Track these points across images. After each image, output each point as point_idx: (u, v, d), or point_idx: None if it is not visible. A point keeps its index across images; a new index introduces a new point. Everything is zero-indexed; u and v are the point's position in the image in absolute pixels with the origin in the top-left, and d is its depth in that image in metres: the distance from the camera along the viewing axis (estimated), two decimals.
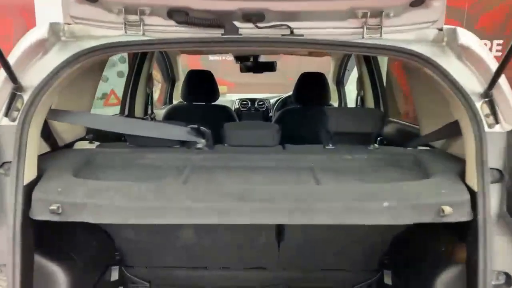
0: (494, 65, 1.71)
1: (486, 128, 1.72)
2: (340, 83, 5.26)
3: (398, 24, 1.87)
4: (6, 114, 1.73)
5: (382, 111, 3.71)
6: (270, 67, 4.70)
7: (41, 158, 1.92)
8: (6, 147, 1.71)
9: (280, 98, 6.03)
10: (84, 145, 2.43)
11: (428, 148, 2.45)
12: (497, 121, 1.74)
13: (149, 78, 4.12)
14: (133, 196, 1.76)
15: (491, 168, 1.72)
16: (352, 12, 1.83)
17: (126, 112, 3.85)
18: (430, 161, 2.11)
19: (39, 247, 1.83)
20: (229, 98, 6.14)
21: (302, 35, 1.86)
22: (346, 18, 1.87)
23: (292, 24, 1.86)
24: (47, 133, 2.11)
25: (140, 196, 1.77)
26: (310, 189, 1.88)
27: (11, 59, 1.71)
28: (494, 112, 1.74)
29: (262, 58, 4.66)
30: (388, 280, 2.48)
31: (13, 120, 1.72)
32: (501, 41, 4.50)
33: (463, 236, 1.82)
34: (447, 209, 1.69)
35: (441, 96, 1.94)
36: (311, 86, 3.94)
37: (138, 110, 4.00)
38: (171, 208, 1.75)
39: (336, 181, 2.01)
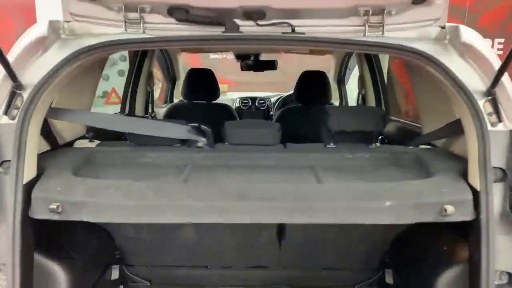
0: (497, 63, 1.69)
1: (489, 127, 1.71)
2: (341, 81, 5.24)
3: (400, 22, 1.86)
4: (6, 112, 1.72)
5: (383, 110, 3.69)
6: (271, 65, 4.68)
7: (41, 156, 1.91)
8: (6, 146, 1.70)
9: (281, 97, 6.02)
10: (84, 143, 2.42)
11: (429, 146, 2.44)
12: (500, 119, 1.73)
13: (150, 76, 4.11)
14: (133, 195, 1.75)
15: (494, 167, 1.70)
16: (354, 9, 1.82)
17: (127, 111, 3.84)
18: (432, 160, 2.09)
19: (39, 246, 1.82)
20: (229, 96, 6.13)
21: (303, 33, 1.85)
22: (347, 15, 1.86)
23: (293, 22, 1.85)
24: (47, 132, 2.10)
25: (140, 194, 1.76)
26: (311, 188, 1.87)
27: (11, 57, 1.70)
28: (497, 111, 1.73)
29: (263, 57, 4.65)
30: (389, 279, 2.47)
31: (13, 118, 1.71)
32: (502, 40, 4.49)
33: (465, 235, 1.81)
34: (450, 208, 1.68)
35: (443, 94, 1.92)
36: (312, 85, 3.92)
37: (139, 108, 3.99)
38: (171, 207, 1.74)
39: (337, 180, 2.00)
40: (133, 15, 1.85)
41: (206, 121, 2.35)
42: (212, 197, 1.76)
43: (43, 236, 1.85)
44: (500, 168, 1.73)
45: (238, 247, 2.49)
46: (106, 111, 4.95)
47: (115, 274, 2.47)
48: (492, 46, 4.44)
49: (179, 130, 2.29)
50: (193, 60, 6.97)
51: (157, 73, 5.31)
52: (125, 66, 5.47)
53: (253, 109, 5.95)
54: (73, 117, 2.21)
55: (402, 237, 2.34)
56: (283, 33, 1.85)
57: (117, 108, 4.01)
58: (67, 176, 1.85)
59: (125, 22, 1.85)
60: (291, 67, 6.08)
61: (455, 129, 2.00)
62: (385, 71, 4.08)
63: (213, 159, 2.22)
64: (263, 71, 4.73)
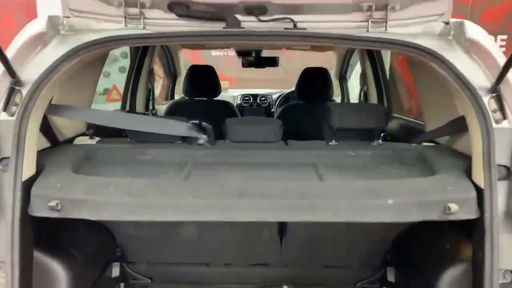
0: (502, 60, 1.67)
1: (494, 124, 1.69)
2: (343, 78, 5.22)
3: (404, 18, 1.84)
4: (5, 109, 1.70)
5: (385, 107, 3.67)
6: (272, 62, 4.67)
7: (41, 153, 1.90)
8: (5, 143, 1.69)
9: (282, 94, 6.00)
10: (85, 140, 2.41)
11: (433, 144, 2.42)
12: (504, 116, 1.71)
13: (151, 73, 4.10)
14: (134, 193, 1.74)
15: (498, 165, 1.69)
16: (357, 5, 1.80)
17: (127, 108, 3.83)
18: (435, 157, 2.08)
19: (39, 243, 1.81)
20: (231, 93, 6.12)
21: (305, 29, 1.83)
22: (350, 11, 1.84)
23: (295, 17, 1.83)
24: (46, 128, 2.09)
25: (140, 192, 1.74)
26: (313, 185, 1.85)
27: (9, 52, 1.68)
28: (501, 108, 1.71)
29: (264, 53, 4.63)
30: (391, 277, 2.46)
31: (12, 115, 1.70)
32: (505, 37, 4.47)
33: (468, 233, 1.79)
34: (453, 206, 1.66)
35: (447, 91, 1.90)
36: (313, 82, 3.91)
37: (140, 105, 3.98)
38: (171, 204, 1.73)
39: (339, 177, 1.98)
40: (133, 11, 1.83)
41: (207, 118, 2.34)
42: (213, 195, 1.75)
43: (43, 234, 1.84)
44: (505, 166, 1.71)
45: (239, 245, 2.48)
46: (107, 108, 4.94)
47: (115, 271, 2.46)
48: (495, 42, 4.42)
49: (179, 127, 2.27)
50: (195, 57, 6.96)
51: (158, 69, 5.30)
52: (126, 62, 5.46)
53: (254, 106, 5.94)
54: (73, 114, 2.19)
55: (404, 235, 2.33)
56: (285, 28, 1.83)
57: (118, 105, 4.00)
58: (67, 173, 1.83)
59: (125, 17, 1.84)
60: (292, 64, 6.06)
61: (459, 126, 1.98)
62: (387, 67, 4.06)
63: (214, 156, 2.21)
64: (264, 67, 4.73)
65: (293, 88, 4.32)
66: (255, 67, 4.71)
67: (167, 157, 2.20)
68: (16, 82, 1.69)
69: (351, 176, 2.00)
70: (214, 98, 4.07)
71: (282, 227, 2.36)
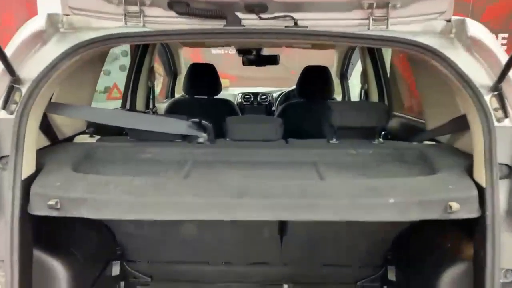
0: (504, 58, 1.66)
1: (495, 122, 1.68)
2: (343, 76, 5.21)
3: (405, 15, 1.83)
4: (4, 107, 1.69)
5: (386, 105, 3.66)
6: (273, 60, 4.66)
7: (40, 152, 1.89)
8: (4, 141, 1.68)
9: (283, 92, 5.99)
10: (84, 139, 2.41)
11: (434, 142, 2.41)
12: (506, 115, 1.70)
13: (151, 71, 4.09)
14: (134, 191, 1.73)
15: (499, 164, 1.67)
16: (358, 2, 1.79)
17: (128, 106, 3.82)
18: (436, 156, 2.07)
19: (39, 242, 1.81)
20: (231, 92, 6.11)
21: (306, 27, 1.82)
22: (351, 9, 1.83)
23: (296, 15, 1.82)
24: (46, 127, 2.08)
25: (140, 191, 1.74)
26: (314, 184, 1.84)
27: (9, 50, 1.67)
28: (503, 106, 1.69)
29: (265, 52, 4.62)
30: (392, 276, 2.45)
31: (11, 113, 1.69)
32: (506, 35, 4.47)
33: (470, 232, 1.78)
34: (455, 205, 1.65)
35: (448, 89, 1.89)
36: (314, 80, 3.90)
37: (140, 104, 3.97)
38: (171, 203, 1.72)
39: (340, 176, 1.97)
40: (133, 9, 1.82)
41: (208, 117, 2.33)
42: (213, 194, 1.74)
43: (43, 232, 1.83)
44: (506, 165, 1.70)
45: (239, 243, 2.47)
46: (108, 106, 4.94)
47: (116, 270, 2.46)
48: None
49: (180, 126, 2.27)
50: (195, 55, 6.95)
51: (159, 68, 5.29)
52: (126, 61, 5.46)
53: (255, 105, 5.93)
54: (73, 112, 2.19)
55: (405, 233, 2.32)
56: (286, 26, 1.82)
57: (119, 103, 3.99)
58: (66, 172, 1.83)
59: (125, 15, 1.83)
60: (293, 62, 6.05)
61: (460, 124, 1.97)
62: (387, 65, 4.05)
63: (214, 155, 2.20)
64: (265, 66, 4.72)
65: (294, 87, 4.31)
66: (256, 65, 4.70)
67: (167, 155, 2.19)
68: (15, 80, 1.68)
69: (351, 175, 2.00)
70: (215, 97, 4.06)
71: (282, 225, 2.35)
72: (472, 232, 1.76)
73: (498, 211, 1.65)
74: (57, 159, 1.93)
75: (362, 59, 4.19)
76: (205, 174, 1.99)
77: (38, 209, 1.70)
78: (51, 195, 1.68)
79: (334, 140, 2.40)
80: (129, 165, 2.11)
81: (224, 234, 2.40)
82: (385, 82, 3.84)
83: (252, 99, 5.96)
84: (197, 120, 2.28)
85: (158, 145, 2.25)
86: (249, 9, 1.82)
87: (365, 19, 1.83)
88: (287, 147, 2.32)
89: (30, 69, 1.71)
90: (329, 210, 1.71)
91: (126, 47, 5.24)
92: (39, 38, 1.74)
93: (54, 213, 1.69)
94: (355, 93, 5.04)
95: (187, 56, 5.86)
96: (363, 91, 4.14)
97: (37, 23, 1.74)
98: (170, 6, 1.82)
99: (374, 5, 1.78)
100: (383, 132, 2.59)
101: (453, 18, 1.82)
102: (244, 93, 6.02)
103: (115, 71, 6.13)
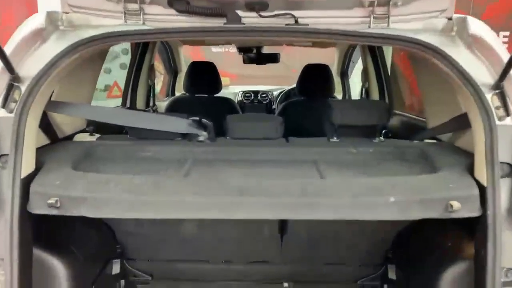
0: (505, 56, 1.65)
1: (497, 121, 1.67)
2: (344, 75, 5.20)
3: (406, 13, 1.81)
4: (4, 105, 1.69)
5: (387, 103, 3.65)
6: (273, 58, 4.66)
7: (40, 150, 1.89)
8: (4, 139, 1.68)
9: (283, 90, 5.98)
10: (84, 137, 2.40)
11: (435, 141, 2.40)
12: (507, 113, 1.69)
13: (151, 69, 4.08)
14: (134, 190, 1.73)
15: (501, 162, 1.67)
16: (359, 0, 1.78)
17: (128, 104, 3.82)
18: (437, 154, 2.06)
19: (39, 240, 1.80)
20: (232, 90, 6.10)
21: (307, 25, 1.81)
22: (352, 7, 1.82)
23: (296, 13, 1.81)
24: (46, 125, 2.08)
25: (140, 190, 1.73)
26: (314, 183, 1.84)
27: (8, 48, 1.67)
28: (504, 104, 1.69)
29: (266, 50, 4.61)
30: (392, 274, 2.45)
31: (11, 111, 1.68)
32: (507, 33, 4.44)
33: (471, 231, 1.78)
34: (456, 204, 1.64)
35: (450, 87, 1.88)
36: (315, 78, 3.89)
37: (140, 102, 3.97)
38: (171, 202, 1.72)
39: (340, 175, 1.97)
40: (133, 6, 1.81)
41: (208, 115, 2.33)
42: (213, 193, 1.74)
43: (43, 231, 1.83)
44: (507, 163, 1.69)
45: (239, 242, 2.47)
46: (108, 104, 4.93)
47: (116, 268, 2.46)
48: None
49: (180, 124, 2.26)
50: (195, 53, 6.94)
51: (159, 66, 5.28)
52: (127, 59, 5.44)
53: (255, 103, 5.93)
54: (72, 110, 2.18)
55: (406, 232, 2.31)
56: (286, 24, 1.81)
57: (119, 101, 3.99)
58: (66, 171, 1.82)
59: (125, 13, 1.82)
60: (294, 61, 6.04)
61: (462, 123, 1.96)
62: (388, 63, 4.04)
63: (214, 153, 2.19)
64: (265, 64, 4.71)
65: (294, 85, 4.30)
66: (256, 64, 4.70)
67: (167, 154, 2.19)
68: (14, 78, 1.67)
69: (352, 173, 1.99)
70: (215, 95, 4.05)
71: (282, 224, 2.35)
72: (473, 231, 1.76)
73: (499, 210, 1.64)
74: (57, 158, 1.93)
75: (363, 57, 4.18)
76: (205, 173, 1.98)
77: (37, 207, 1.69)
78: (50, 194, 1.67)
79: (335, 138, 2.39)
80: (129, 163, 2.11)
81: (224, 232, 2.40)
82: (386, 80, 3.83)
83: (252, 97, 5.96)
84: (197, 118, 2.27)
85: (158, 144, 2.24)
86: (250, 7, 1.81)
87: (366, 17, 1.82)
88: (287, 146, 2.31)
89: (30, 67, 1.70)
90: (330, 209, 1.70)
91: (127, 45, 5.23)
92: (39, 36, 1.73)
93: (54, 212, 1.68)
94: (355, 92, 5.03)
95: (187, 55, 5.85)
96: (363, 89, 4.13)
97: (36, 21, 1.73)
98: (170, 4, 1.81)
99: (375, 3, 1.77)
100: (383, 131, 2.59)
101: (454, 16, 1.81)
102: (245, 91, 6.02)
103: (116, 69, 6.12)
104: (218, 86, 4.04)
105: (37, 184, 1.72)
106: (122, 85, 4.49)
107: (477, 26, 1.72)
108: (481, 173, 1.71)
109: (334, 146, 2.31)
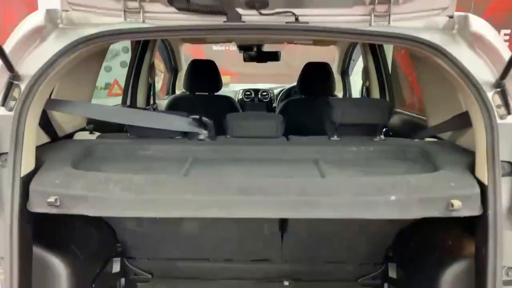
0: (507, 54, 1.64)
1: (498, 119, 1.67)
2: (345, 73, 5.20)
3: (407, 11, 1.81)
4: (3, 103, 1.68)
5: (388, 102, 3.65)
6: (274, 56, 4.65)
7: (40, 149, 1.89)
8: (3, 138, 1.67)
9: (284, 89, 5.98)
10: (84, 135, 2.40)
11: (436, 139, 2.40)
12: (509, 112, 1.68)
13: (151, 68, 4.07)
14: (133, 189, 1.72)
15: (502, 161, 1.66)
16: None
17: (128, 102, 3.81)
18: (438, 153, 2.05)
19: (39, 239, 1.80)
20: (232, 88, 6.09)
21: (307, 23, 1.80)
22: (353, 4, 1.81)
23: (297, 11, 1.81)
24: (46, 123, 2.07)
25: (140, 188, 1.73)
26: (315, 182, 1.83)
27: (7, 47, 1.66)
28: (506, 103, 1.68)
29: (266, 48, 4.61)
30: (392, 273, 2.45)
31: (10, 109, 1.68)
32: (508, 31, 4.43)
33: (471, 230, 1.77)
34: (457, 203, 1.64)
35: (451, 86, 1.88)
36: (315, 76, 3.88)
37: (140, 100, 3.97)
38: (171, 201, 1.71)
39: (341, 173, 1.96)
40: (133, 4, 1.81)
41: (208, 113, 2.32)
42: (213, 191, 1.73)
43: (43, 229, 1.83)
44: (508, 162, 1.69)
45: (240, 240, 2.47)
46: (109, 102, 4.92)
47: (116, 267, 2.46)
48: None
49: (180, 122, 2.26)
50: (195, 52, 6.93)
51: (159, 64, 5.28)
52: (127, 57, 5.43)
53: (256, 101, 5.92)
54: (72, 108, 2.17)
55: (406, 231, 2.31)
56: (287, 22, 1.80)
57: (120, 99, 3.99)
58: (66, 169, 1.82)
59: (125, 11, 1.81)
60: (294, 59, 6.03)
61: (462, 121, 1.96)
62: (389, 62, 4.03)
63: (214, 152, 2.19)
64: (266, 62, 4.70)
65: (295, 83, 4.30)
66: (257, 62, 4.69)
67: (167, 152, 2.18)
68: (14, 77, 1.67)
69: (352, 172, 1.98)
70: (215, 93, 4.05)
71: (283, 222, 2.35)
72: (473, 229, 1.75)
73: (500, 209, 1.64)
74: (57, 156, 1.92)
75: (363, 55, 4.17)
76: (206, 171, 1.98)
77: (37, 206, 1.69)
78: (50, 192, 1.67)
79: (335, 137, 2.39)
80: (129, 162, 2.10)
81: (224, 231, 2.40)
82: (387, 79, 3.82)
83: (253, 95, 5.95)
84: (197, 117, 2.27)
85: (158, 142, 2.24)
86: (250, 5, 1.80)
87: (367, 15, 1.81)
88: (288, 144, 2.30)
89: (29, 65, 1.70)
90: (330, 208, 1.70)
91: (127, 43, 5.22)
92: (38, 34, 1.72)
93: (54, 210, 1.68)
94: (356, 90, 5.02)
95: (188, 53, 5.85)
96: (364, 87, 4.12)
97: (36, 19, 1.73)
98: (170, 2, 1.80)
99: (376, 1, 1.76)
100: (384, 129, 2.58)
101: (456, 14, 1.81)
102: (245, 89, 6.01)
103: (116, 68, 6.11)
104: (218, 84, 4.03)
105: (37, 182, 1.72)
106: (122, 83, 4.49)
107: (478, 24, 1.71)
108: (482, 171, 1.71)
109: (335, 144, 2.31)
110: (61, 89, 2.14)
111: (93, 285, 2.12)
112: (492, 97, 1.68)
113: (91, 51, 1.89)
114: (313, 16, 1.82)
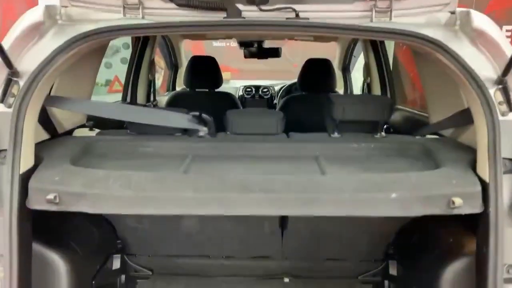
0: (509, 51, 1.63)
1: (500, 116, 1.65)
2: (346, 69, 5.18)
3: (409, 7, 1.80)
4: (2, 100, 1.67)
5: (389, 98, 3.63)
6: (274, 53, 4.63)
7: (39, 146, 1.88)
8: (2, 135, 1.66)
9: (284, 85, 5.96)
10: (84, 132, 2.39)
11: (437, 136, 2.39)
12: (510, 109, 1.67)
13: (152, 64, 4.06)
14: (133, 186, 1.72)
15: (503, 158, 1.65)
16: None
17: (128, 99, 3.80)
18: (439, 150, 2.04)
19: (39, 236, 1.80)
20: (233, 85, 6.08)
21: (307, 19, 1.79)
22: (354, 0, 1.80)
23: (297, 7, 1.79)
24: (45, 120, 2.06)
25: (140, 186, 1.72)
26: (315, 179, 1.82)
27: (6, 43, 1.65)
28: (508, 100, 1.67)
29: (267, 44, 4.59)
30: (393, 270, 2.44)
31: (9, 106, 1.67)
32: (510, 27, 4.41)
33: (472, 227, 1.77)
34: (458, 200, 1.63)
35: (452, 82, 1.86)
36: (316, 73, 3.87)
37: (141, 97, 3.95)
38: (171, 198, 1.71)
39: (341, 171, 1.95)
40: (132, 0, 1.80)
41: (208, 110, 2.31)
42: (213, 189, 1.73)
43: (43, 226, 1.82)
44: (510, 159, 1.68)
45: (240, 237, 2.46)
46: (109, 99, 4.92)
47: (116, 263, 2.46)
48: None
49: (180, 119, 2.25)
50: (196, 48, 6.91)
51: (160, 61, 5.26)
52: (128, 54, 5.41)
53: (256, 98, 5.91)
54: (72, 105, 2.17)
55: (407, 228, 2.31)
56: (287, 18, 1.79)
57: (120, 96, 3.98)
58: (65, 166, 1.81)
59: (124, 7, 1.80)
60: (295, 56, 6.01)
61: (464, 118, 1.95)
62: (390, 58, 4.01)
63: (214, 149, 2.18)
64: (266, 58, 4.69)
65: (296, 80, 4.28)
66: (257, 58, 4.67)
67: (167, 149, 2.18)
68: (13, 73, 1.66)
69: (353, 170, 1.98)
70: (216, 90, 4.04)
71: (283, 219, 2.34)
72: (474, 227, 1.74)
73: (502, 207, 1.63)
74: (56, 153, 1.92)
75: (364, 51, 4.15)
76: (206, 169, 1.97)
77: (36, 203, 1.68)
78: (49, 189, 1.66)
79: (336, 134, 2.38)
80: (129, 159, 2.10)
81: (224, 228, 2.39)
82: (388, 75, 3.80)
83: (253, 92, 5.94)
84: (197, 113, 2.26)
85: (158, 139, 2.23)
86: (250, 0, 1.79)
87: (368, 11, 1.80)
88: (288, 141, 2.30)
89: (28, 61, 1.68)
90: (330, 206, 1.69)
91: (128, 39, 5.21)
92: (37, 30, 1.71)
93: (53, 208, 1.67)
94: (357, 87, 5.01)
95: (188, 49, 5.83)
96: (365, 84, 4.11)
97: (35, 15, 1.72)
98: None
99: None
100: (385, 126, 2.57)
101: (458, 10, 1.79)
102: (246, 86, 6.00)
103: (117, 64, 6.11)
104: (218, 81, 4.02)
105: (36, 179, 1.71)
106: (123, 80, 4.48)
107: (480, 20, 1.70)
108: (484, 169, 1.70)
109: (335, 141, 2.30)
110: (60, 86, 2.13)
111: (93, 282, 2.12)
112: (494, 93, 1.67)
113: (90, 47, 1.88)
114: (313, 12, 1.81)
